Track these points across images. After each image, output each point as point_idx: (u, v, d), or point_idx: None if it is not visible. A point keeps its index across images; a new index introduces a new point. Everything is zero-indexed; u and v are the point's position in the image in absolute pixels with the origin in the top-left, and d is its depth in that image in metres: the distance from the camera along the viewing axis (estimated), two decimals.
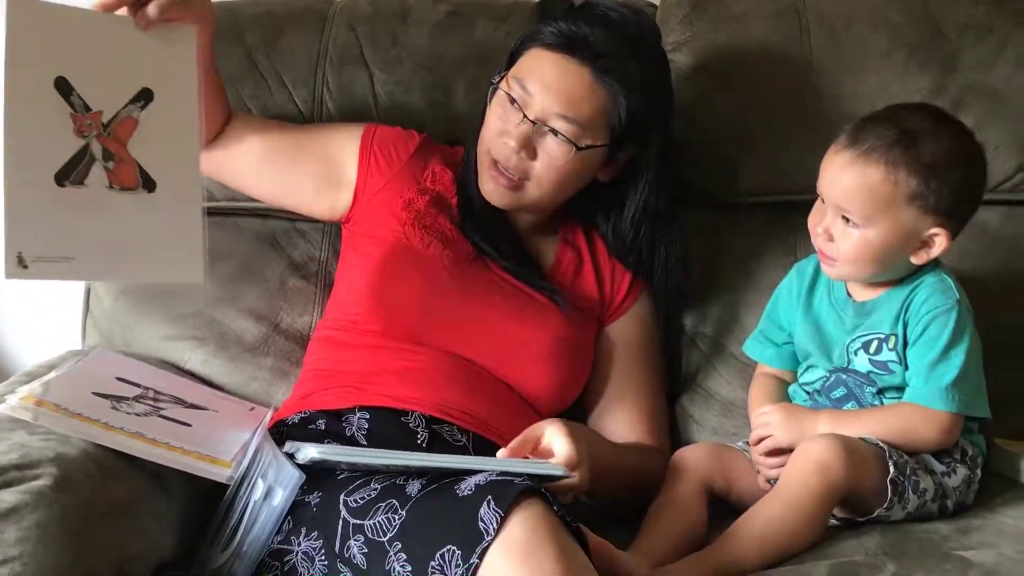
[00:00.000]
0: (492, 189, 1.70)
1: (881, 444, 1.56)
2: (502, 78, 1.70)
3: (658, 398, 1.83)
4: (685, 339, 1.89)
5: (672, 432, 1.85)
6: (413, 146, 1.80)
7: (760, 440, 1.64)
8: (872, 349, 1.65)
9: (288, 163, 1.79)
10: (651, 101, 1.70)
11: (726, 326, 1.90)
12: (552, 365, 1.70)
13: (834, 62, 1.94)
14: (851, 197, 1.58)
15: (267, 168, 1.79)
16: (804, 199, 1.91)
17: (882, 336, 1.64)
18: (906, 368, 1.63)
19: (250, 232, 1.93)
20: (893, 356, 1.63)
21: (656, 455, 1.74)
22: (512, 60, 1.72)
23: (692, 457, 1.65)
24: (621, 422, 1.77)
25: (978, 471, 1.65)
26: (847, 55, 1.94)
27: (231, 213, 1.91)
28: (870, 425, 1.60)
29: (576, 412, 1.78)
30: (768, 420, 1.63)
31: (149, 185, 1.43)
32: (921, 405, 1.59)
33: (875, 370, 1.64)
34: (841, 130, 1.64)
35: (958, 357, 1.59)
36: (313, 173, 1.79)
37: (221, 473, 1.44)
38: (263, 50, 1.92)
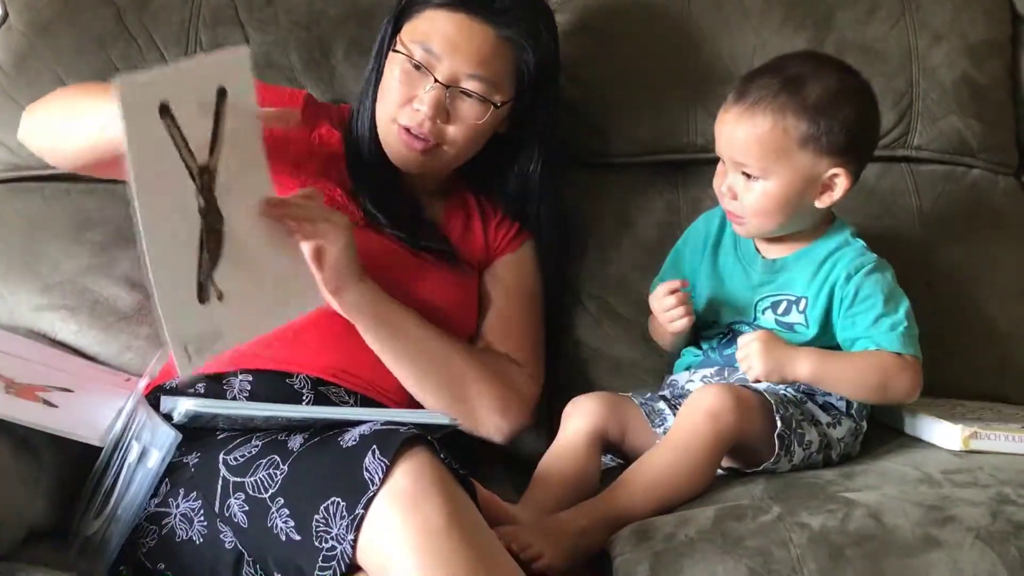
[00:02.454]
0: (407, 155, 1.67)
1: (768, 397, 1.55)
2: (392, 41, 1.66)
3: (536, 327, 1.79)
4: (572, 299, 1.88)
5: (561, 393, 1.81)
6: (297, 107, 1.73)
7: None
8: (780, 310, 1.65)
9: None
10: (551, 47, 1.71)
11: (613, 286, 1.89)
12: (438, 321, 1.66)
13: (713, 21, 1.95)
14: (746, 151, 1.59)
15: None
16: (686, 158, 1.94)
17: (793, 298, 1.65)
18: (819, 331, 1.62)
19: (123, 198, 1.84)
20: (801, 319, 1.64)
21: (512, 366, 1.71)
22: (398, 22, 1.68)
23: (588, 406, 1.63)
24: (492, 333, 1.74)
25: (864, 423, 1.66)
26: (725, 14, 1.95)
27: (103, 180, 1.84)
28: (850, 372, 1.59)
29: None
30: (748, 351, 1.58)
31: None
32: (891, 351, 1.59)
33: (779, 329, 1.64)
34: (729, 88, 1.65)
35: (902, 306, 1.61)
36: None
37: (93, 435, 1.40)
38: (133, 10, 1.87)
